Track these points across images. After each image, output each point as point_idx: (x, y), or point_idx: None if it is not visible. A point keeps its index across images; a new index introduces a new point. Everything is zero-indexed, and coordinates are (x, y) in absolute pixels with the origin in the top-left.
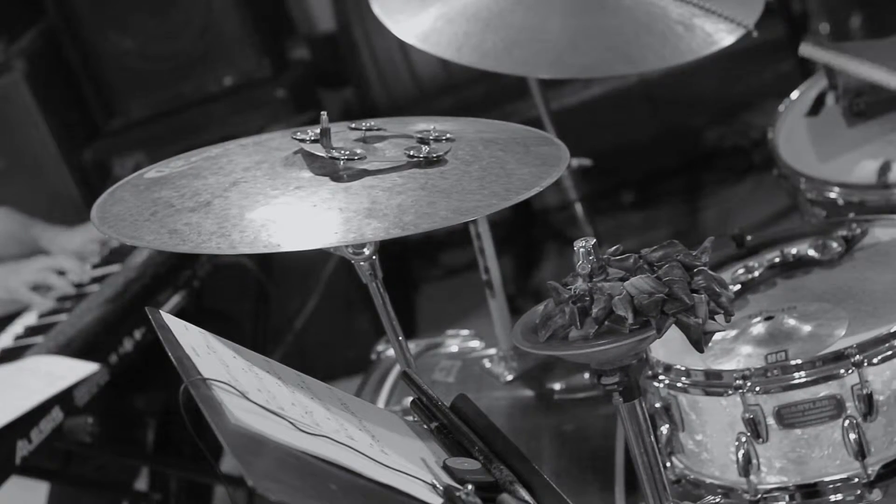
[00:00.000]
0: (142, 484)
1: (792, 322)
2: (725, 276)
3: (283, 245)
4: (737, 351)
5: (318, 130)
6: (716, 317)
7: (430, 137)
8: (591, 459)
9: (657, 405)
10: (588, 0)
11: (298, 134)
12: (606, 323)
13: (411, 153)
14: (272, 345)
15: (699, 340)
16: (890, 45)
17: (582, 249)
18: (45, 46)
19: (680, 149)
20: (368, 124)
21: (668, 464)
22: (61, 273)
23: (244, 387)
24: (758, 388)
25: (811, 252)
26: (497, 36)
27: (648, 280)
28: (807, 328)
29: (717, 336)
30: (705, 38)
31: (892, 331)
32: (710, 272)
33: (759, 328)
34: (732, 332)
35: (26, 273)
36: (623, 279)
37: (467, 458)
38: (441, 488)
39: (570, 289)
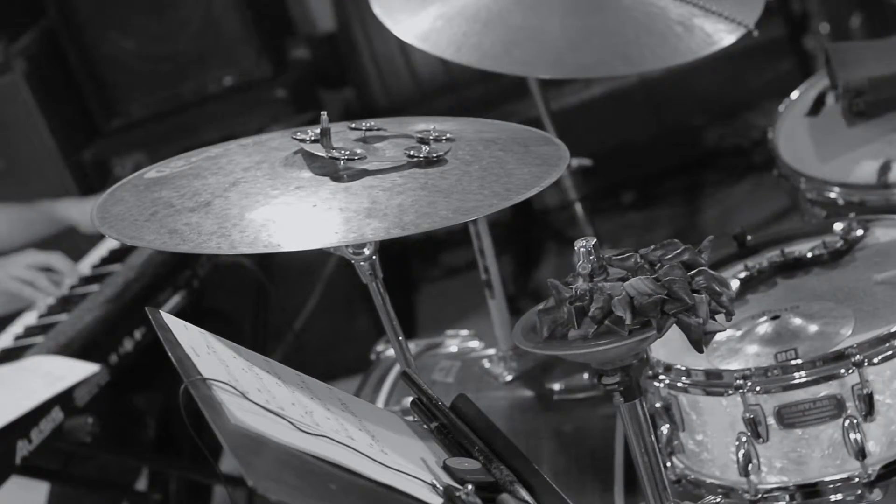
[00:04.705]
0: (142, 484)
1: (798, 321)
2: (725, 275)
3: (283, 245)
4: (744, 351)
5: (318, 130)
6: (716, 316)
7: (430, 137)
8: (591, 459)
9: (657, 405)
10: (588, 0)
11: (298, 134)
12: (606, 323)
13: (411, 153)
14: (272, 345)
15: (699, 340)
16: (890, 45)
17: (582, 249)
18: (45, 46)
19: (680, 149)
20: (368, 124)
21: (669, 464)
22: (51, 270)
23: (244, 387)
24: (758, 388)
25: (812, 252)
26: (497, 36)
27: (647, 281)
28: (813, 327)
29: (723, 336)
30: (705, 38)
31: (892, 331)
32: (710, 271)
33: (765, 328)
34: (738, 332)
35: (13, 268)
36: (624, 279)
37: (467, 458)
38: (441, 488)
39: (570, 288)
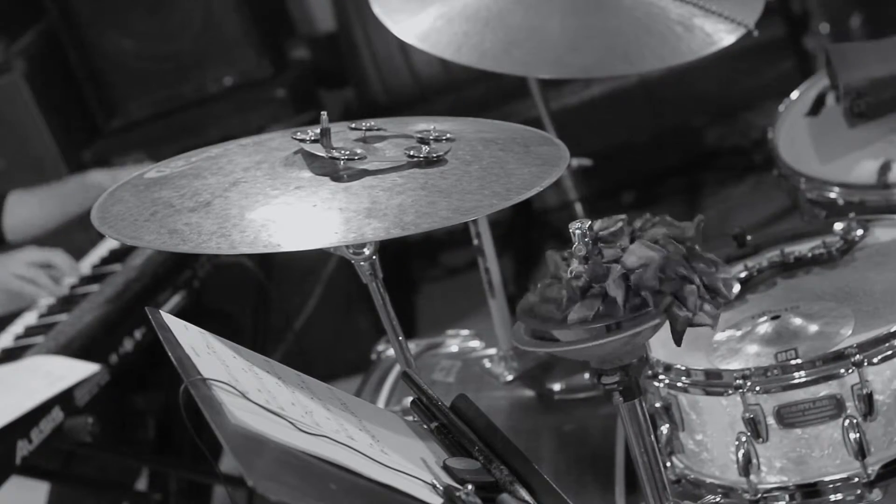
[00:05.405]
0: (142, 484)
1: (798, 321)
2: None
3: (283, 245)
4: (744, 350)
5: (318, 130)
6: (707, 307)
7: (430, 137)
8: (591, 459)
9: (657, 405)
10: (588, 0)
11: (298, 134)
12: (600, 310)
13: (411, 153)
14: (272, 345)
15: (683, 333)
16: (890, 45)
17: (578, 231)
18: (45, 46)
19: (680, 149)
20: (368, 124)
21: (668, 464)
22: (51, 267)
23: (244, 387)
24: (758, 388)
25: (811, 252)
26: (497, 36)
27: (645, 245)
28: (814, 327)
29: (723, 336)
30: (705, 38)
31: (892, 330)
32: (701, 252)
33: (765, 327)
34: (738, 332)
35: (14, 266)
36: (618, 260)
37: (467, 458)
38: (441, 488)
39: (569, 270)
